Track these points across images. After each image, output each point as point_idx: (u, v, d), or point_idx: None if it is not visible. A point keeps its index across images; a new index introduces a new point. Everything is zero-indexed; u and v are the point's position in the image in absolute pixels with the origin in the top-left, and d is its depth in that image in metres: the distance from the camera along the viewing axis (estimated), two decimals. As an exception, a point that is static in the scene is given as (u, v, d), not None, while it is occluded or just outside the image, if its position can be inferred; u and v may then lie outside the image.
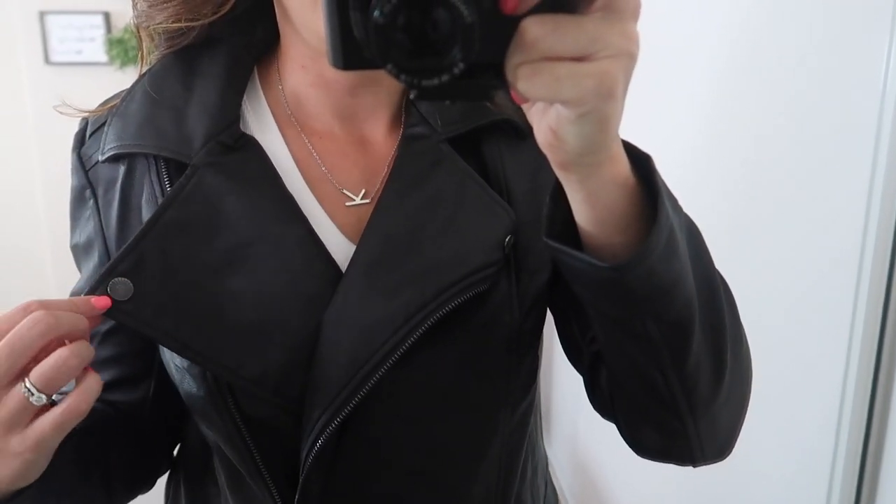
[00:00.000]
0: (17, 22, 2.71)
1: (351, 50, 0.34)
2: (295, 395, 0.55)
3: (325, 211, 0.59)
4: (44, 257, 2.83)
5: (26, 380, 0.47)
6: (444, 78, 0.32)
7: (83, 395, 0.49)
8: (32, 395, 0.47)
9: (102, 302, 0.52)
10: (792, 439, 1.01)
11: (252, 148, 0.59)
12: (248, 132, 0.59)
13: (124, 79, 2.60)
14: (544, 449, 0.77)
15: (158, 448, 0.68)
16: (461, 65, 0.32)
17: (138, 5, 0.58)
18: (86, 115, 0.63)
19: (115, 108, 0.60)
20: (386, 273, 0.56)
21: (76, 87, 2.70)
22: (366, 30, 0.32)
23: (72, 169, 0.62)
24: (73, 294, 0.64)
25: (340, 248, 0.58)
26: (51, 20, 2.72)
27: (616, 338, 0.51)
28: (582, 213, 0.45)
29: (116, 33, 2.62)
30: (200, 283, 0.54)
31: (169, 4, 0.57)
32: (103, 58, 2.69)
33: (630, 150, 0.45)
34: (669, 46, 1.36)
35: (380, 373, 0.54)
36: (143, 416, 0.64)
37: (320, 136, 0.61)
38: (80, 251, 0.64)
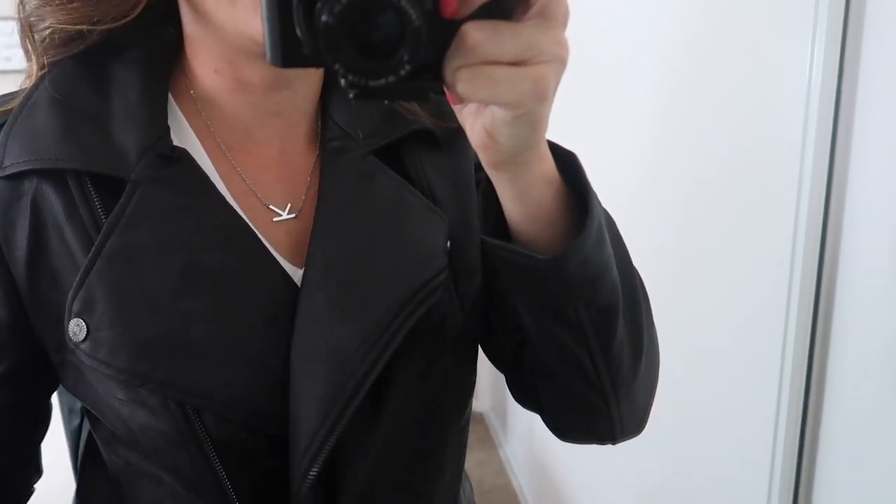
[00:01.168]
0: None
1: (291, 47, 0.35)
2: (270, 414, 0.53)
3: (253, 226, 0.56)
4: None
5: None
6: (391, 79, 0.33)
7: None
8: None
9: None
10: (734, 444, 1.06)
11: (186, 159, 0.54)
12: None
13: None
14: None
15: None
16: (408, 67, 0.33)
17: (27, 4, 0.53)
18: None
19: (13, 116, 0.53)
20: (345, 293, 0.54)
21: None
22: (311, 29, 0.33)
23: None
24: None
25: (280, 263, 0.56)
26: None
27: (547, 326, 0.53)
28: (513, 209, 0.48)
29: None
30: (156, 308, 0.51)
31: (67, 6, 0.51)
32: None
33: (554, 149, 0.48)
34: (612, 69, 1.38)
35: (360, 396, 0.52)
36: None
37: (239, 148, 0.58)
38: None
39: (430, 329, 0.57)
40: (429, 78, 0.37)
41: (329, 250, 0.55)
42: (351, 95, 0.35)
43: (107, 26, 0.52)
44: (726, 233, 1.03)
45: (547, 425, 0.63)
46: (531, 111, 0.39)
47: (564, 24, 0.38)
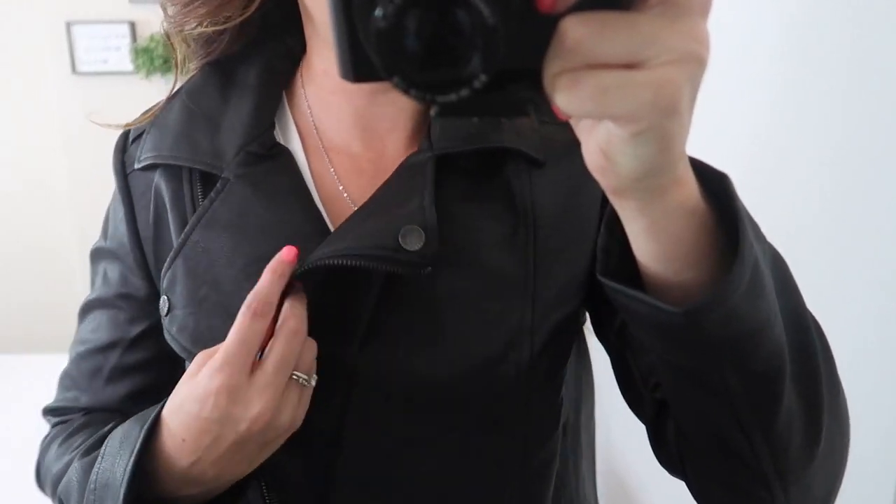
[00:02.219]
0: (45, 32, 2.74)
1: (361, 59, 0.29)
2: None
3: (334, 228, 0.56)
4: (72, 265, 2.86)
5: (296, 373, 0.49)
6: (463, 93, 0.27)
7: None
8: (306, 383, 0.50)
9: (289, 254, 0.50)
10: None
11: (283, 157, 0.58)
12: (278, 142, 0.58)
13: (149, 87, 2.62)
14: (594, 501, 0.70)
15: None
16: (483, 77, 0.27)
17: (168, 10, 0.58)
18: (120, 126, 0.63)
19: (154, 118, 0.61)
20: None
21: (102, 96, 2.73)
22: (367, 36, 0.27)
23: (114, 172, 0.63)
24: (96, 299, 0.65)
25: None
26: (77, 30, 2.74)
27: (688, 392, 0.44)
28: (643, 245, 0.38)
29: (142, 42, 2.64)
30: (218, 299, 0.55)
31: (196, 6, 0.56)
32: (129, 67, 2.71)
33: (700, 168, 0.38)
34: (723, 63, 1.32)
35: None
36: None
37: (338, 150, 0.59)
38: (103, 254, 0.65)
39: (479, 361, 0.53)
40: (526, 87, 0.30)
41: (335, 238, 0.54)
42: (431, 113, 0.29)
43: (231, 23, 0.57)
44: (842, 238, 0.96)
45: (694, 497, 0.53)
46: (654, 126, 0.30)
47: (703, 12, 0.30)
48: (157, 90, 2.63)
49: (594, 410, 0.68)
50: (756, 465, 0.44)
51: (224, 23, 0.56)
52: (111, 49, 2.76)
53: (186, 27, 0.58)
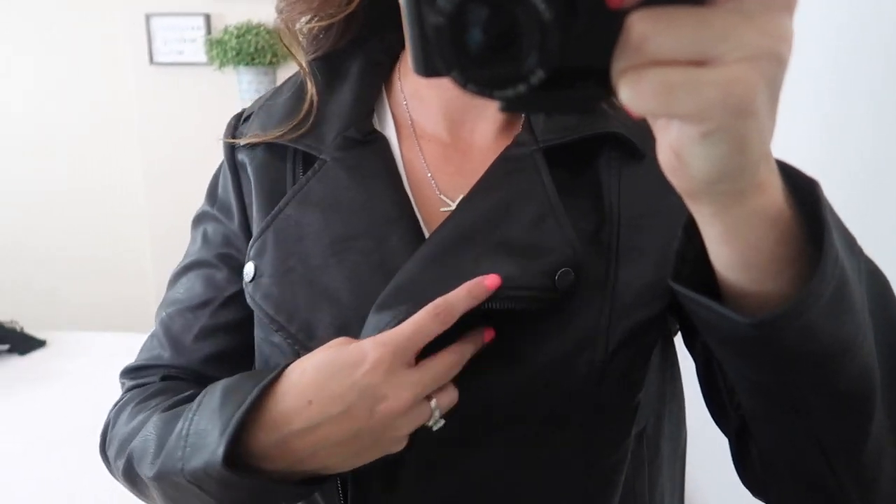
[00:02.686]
0: (125, 24, 2.84)
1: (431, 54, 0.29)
2: None
3: (421, 215, 0.60)
4: (144, 254, 2.96)
5: (434, 404, 0.50)
6: (521, 88, 0.27)
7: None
8: (436, 421, 0.51)
9: (492, 281, 0.50)
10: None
11: (379, 143, 0.61)
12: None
13: (222, 78, 2.69)
14: None
15: None
16: (540, 72, 0.27)
17: (279, 6, 0.62)
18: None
19: (263, 102, 0.66)
20: (430, 289, 0.53)
21: (177, 87, 2.82)
22: (428, 31, 0.28)
23: (224, 147, 0.67)
24: (195, 260, 0.68)
25: None
26: (155, 22, 2.84)
27: (766, 410, 0.42)
28: (718, 252, 0.36)
29: (216, 34, 2.71)
30: (304, 272, 0.57)
31: (302, 2, 0.60)
32: (202, 58, 2.79)
33: (788, 173, 0.36)
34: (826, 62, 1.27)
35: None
36: None
37: (429, 139, 0.62)
38: (207, 218, 0.68)
39: (552, 350, 0.53)
40: (593, 84, 0.29)
41: (443, 239, 0.55)
42: (498, 107, 0.30)
43: (338, 17, 0.61)
44: None
45: None
46: (725, 127, 0.28)
47: (787, 7, 0.28)
48: (228, 81, 2.70)
49: (683, 423, 0.65)
50: (840, 496, 0.41)
51: (329, 18, 0.61)
52: (187, 41, 2.85)
53: (296, 23, 0.62)
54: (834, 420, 0.39)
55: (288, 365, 0.52)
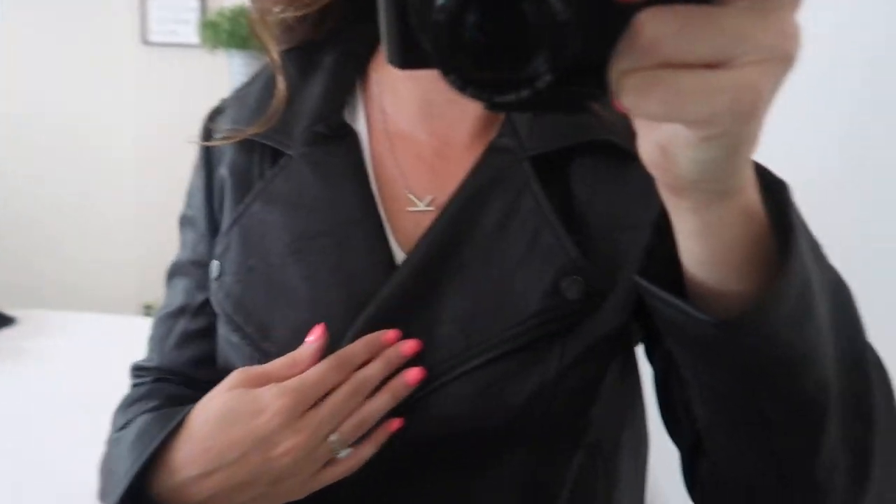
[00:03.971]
0: (119, 1, 2.80)
1: (410, 45, 0.27)
2: None
3: (385, 212, 0.58)
4: (128, 235, 2.92)
5: (334, 435, 0.50)
6: (524, 93, 0.25)
7: (374, 445, 0.52)
8: (338, 450, 0.51)
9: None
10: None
11: (348, 139, 0.59)
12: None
13: (214, 61, 2.66)
14: None
15: None
16: (548, 77, 0.25)
17: None
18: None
19: (236, 93, 0.65)
20: (423, 302, 0.53)
21: (169, 68, 2.78)
22: (423, 26, 0.26)
23: (199, 141, 0.66)
24: (176, 265, 0.68)
25: (394, 255, 0.56)
26: (151, 0, 2.80)
27: (720, 419, 0.41)
28: (691, 249, 0.36)
29: (210, 15, 2.68)
30: (263, 271, 0.57)
31: None
32: (195, 39, 2.75)
33: (760, 173, 0.35)
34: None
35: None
36: None
37: (403, 136, 0.60)
38: (185, 221, 0.67)
39: (504, 372, 0.52)
40: (589, 82, 0.27)
41: (430, 251, 0.54)
42: (484, 106, 0.27)
43: (317, 5, 0.58)
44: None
45: None
46: (728, 132, 0.28)
47: (794, 6, 0.27)
48: (220, 65, 2.67)
49: (645, 437, 0.64)
50: None
51: (305, 8, 0.58)
52: (181, 21, 2.81)
53: (269, 14, 0.59)
54: (789, 432, 0.38)
55: (191, 410, 0.53)
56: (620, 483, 0.60)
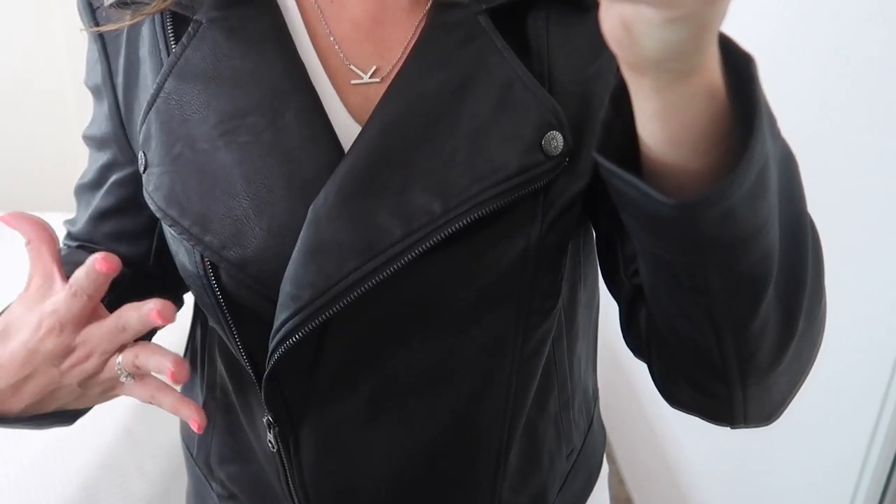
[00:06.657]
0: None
1: None
2: (278, 284, 0.50)
3: (334, 86, 0.52)
4: (70, 123, 2.73)
5: (119, 360, 0.50)
6: None
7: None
8: (123, 374, 0.50)
9: (106, 265, 0.48)
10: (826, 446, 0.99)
11: (261, 3, 0.52)
12: None
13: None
14: (592, 384, 0.70)
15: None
16: None
17: None
18: None
19: None
20: (391, 168, 0.48)
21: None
22: None
23: (79, 10, 0.57)
24: (87, 137, 0.63)
25: (348, 131, 0.51)
26: None
27: (666, 285, 0.42)
28: (650, 127, 0.35)
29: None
30: (192, 158, 0.51)
31: None
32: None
33: (726, 46, 0.34)
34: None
35: (366, 286, 0.48)
36: (149, 271, 0.64)
37: (333, 2, 0.54)
38: (92, 92, 0.61)
39: (492, 231, 0.50)
40: None
41: (389, 117, 0.49)
42: None
43: None
44: (849, 231, 0.93)
45: (655, 384, 0.53)
46: (694, 13, 0.27)
47: None
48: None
49: (596, 292, 0.66)
50: (721, 366, 0.43)
51: None
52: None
53: None
54: (730, 299, 0.40)
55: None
56: (579, 335, 0.63)
